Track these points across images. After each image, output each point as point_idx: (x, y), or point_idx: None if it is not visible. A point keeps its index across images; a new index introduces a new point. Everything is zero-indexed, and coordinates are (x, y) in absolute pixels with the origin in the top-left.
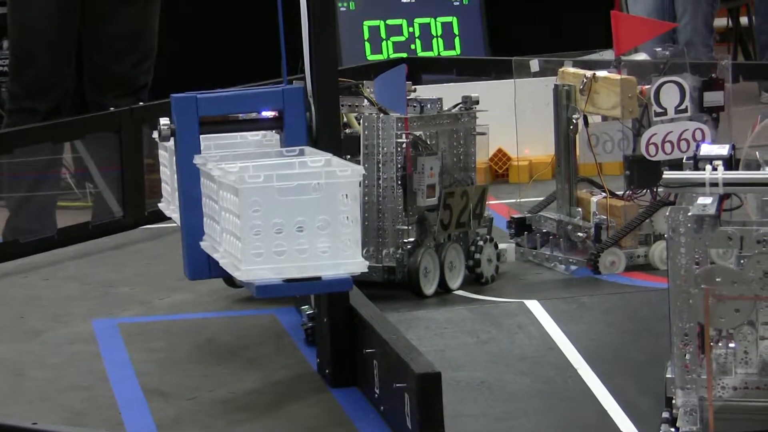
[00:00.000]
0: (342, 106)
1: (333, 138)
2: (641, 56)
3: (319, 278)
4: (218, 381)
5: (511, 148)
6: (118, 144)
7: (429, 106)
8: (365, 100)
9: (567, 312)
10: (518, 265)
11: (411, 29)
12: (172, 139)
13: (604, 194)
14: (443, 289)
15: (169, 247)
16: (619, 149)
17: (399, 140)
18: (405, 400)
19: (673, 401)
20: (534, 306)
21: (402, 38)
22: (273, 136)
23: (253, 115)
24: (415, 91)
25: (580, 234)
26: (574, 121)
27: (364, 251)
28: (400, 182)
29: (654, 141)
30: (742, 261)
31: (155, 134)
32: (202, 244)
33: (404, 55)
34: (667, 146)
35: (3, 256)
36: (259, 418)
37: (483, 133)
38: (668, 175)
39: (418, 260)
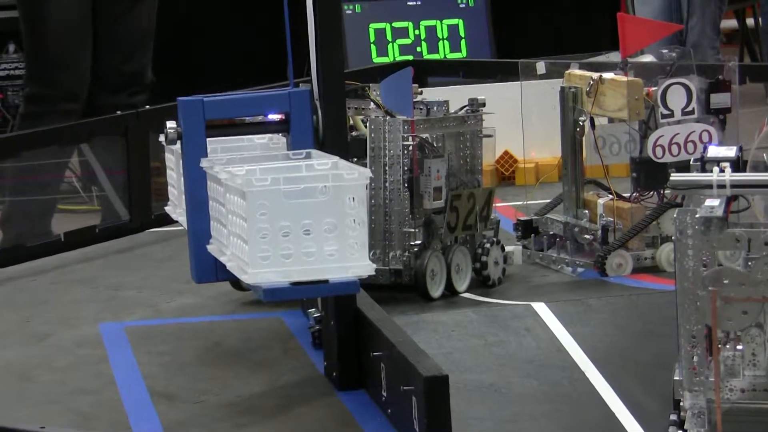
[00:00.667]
0: (348, 108)
1: (339, 141)
2: (648, 58)
3: (326, 281)
4: (225, 384)
5: (518, 150)
6: (124, 147)
7: (435, 108)
8: (371, 103)
9: (574, 314)
10: (525, 268)
11: (417, 32)
12: (178, 142)
13: (611, 196)
14: (450, 291)
15: (175, 250)
16: (625, 151)
17: (405, 143)
18: (412, 403)
19: (681, 403)
20: (541, 308)
21: (408, 41)
22: (280, 139)
23: (260, 118)
24: (421, 93)
25: (587, 236)
26: (581, 123)
27: (371, 254)
28: (406, 185)
29: (661, 143)
30: (749, 263)
31: (162, 137)
32: (209, 247)
33: (410, 57)
34: (674, 148)
35: (10, 259)
36: (266, 421)
37: (489, 136)
38: (675, 177)
39: (425, 263)
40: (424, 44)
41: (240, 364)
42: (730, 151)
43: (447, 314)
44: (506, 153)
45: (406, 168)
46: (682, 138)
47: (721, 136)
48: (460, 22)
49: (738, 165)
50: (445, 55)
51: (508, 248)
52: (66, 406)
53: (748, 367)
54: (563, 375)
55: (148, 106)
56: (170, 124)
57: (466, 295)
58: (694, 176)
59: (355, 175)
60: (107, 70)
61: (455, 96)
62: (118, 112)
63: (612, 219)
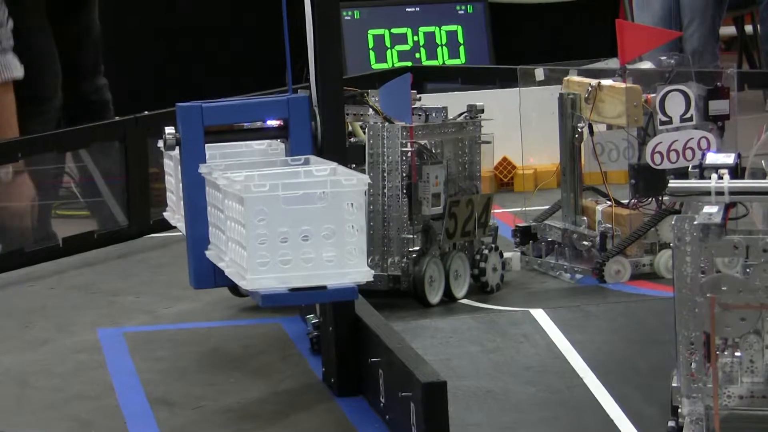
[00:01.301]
0: (347, 115)
1: (338, 147)
2: (646, 65)
3: (324, 287)
4: (224, 390)
5: (516, 156)
6: (123, 153)
7: (434, 114)
8: (370, 109)
9: (572, 321)
10: (523, 274)
11: (416, 38)
12: (177, 148)
13: (609, 203)
14: (448, 297)
15: (174, 256)
16: (624, 158)
17: (404, 149)
18: (410, 409)
19: (679, 410)
20: (539, 315)
21: (407, 47)
22: (278, 146)
23: (258, 124)
24: (420, 99)
25: (585, 243)
26: (579, 129)
27: (370, 260)
28: (405, 191)
29: (659, 149)
30: (748, 270)
31: (160, 143)
32: (208, 253)
33: (409, 63)
34: (673, 155)
35: (8, 265)
36: (265, 427)
37: (488, 142)
38: (674, 183)
39: (423, 269)
40: (422, 50)
41: (238, 370)
42: (729, 158)
43: (445, 320)
44: (505, 159)
45: (404, 174)
46: (680, 145)
47: (719, 143)
48: (459, 29)
49: (736, 172)
50: (443, 61)
51: (506, 254)
52: (64, 412)
53: (746, 373)
54: (561, 381)
55: (147, 112)
56: (169, 130)
57: (465, 301)
58: (693, 183)
59: (353, 182)
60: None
61: (454, 102)
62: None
63: (610, 225)
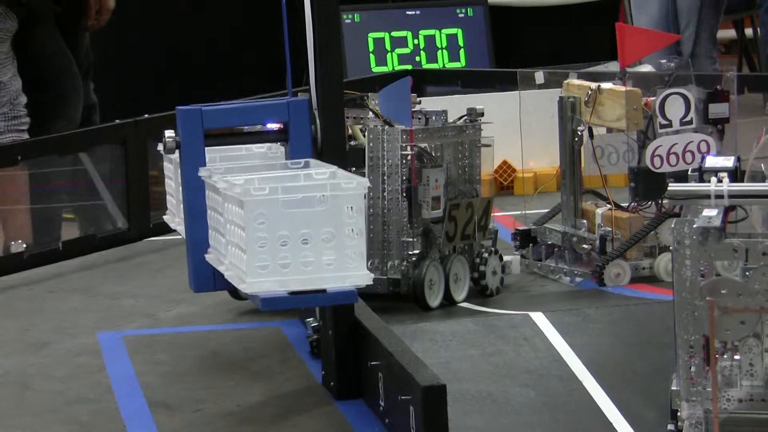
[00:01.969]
0: (347, 118)
1: (338, 150)
2: (646, 68)
3: (324, 291)
4: (223, 393)
5: (516, 160)
6: (123, 156)
7: (434, 118)
8: (370, 112)
9: (572, 324)
10: (523, 277)
11: (416, 41)
12: (177, 151)
13: (609, 206)
14: (448, 301)
15: (174, 259)
16: (624, 161)
17: (404, 152)
18: (410, 413)
19: (678, 413)
20: (539, 318)
21: (407, 50)
22: (278, 149)
23: (258, 127)
24: (419, 103)
25: (585, 246)
26: (579, 133)
27: (369, 263)
28: (405, 194)
29: (659, 153)
30: (747, 273)
31: (160, 147)
32: (207, 256)
33: (409, 67)
34: (672, 158)
35: (8, 268)
36: (265, 430)
37: (488, 145)
38: (673, 187)
39: (423, 272)
40: (423, 54)
41: (238, 373)
42: (728, 161)
43: (445, 324)
44: (505, 162)
45: (404, 177)
46: (680, 148)
47: (719, 146)
48: (459, 32)
49: (736, 175)
50: (443, 64)
51: (506, 258)
52: (64, 415)
53: (746, 377)
54: (561, 385)
55: (147, 115)
56: (168, 133)
57: (464, 304)
58: (692, 186)
59: (353, 185)
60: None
61: (454, 105)
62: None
63: (610, 229)
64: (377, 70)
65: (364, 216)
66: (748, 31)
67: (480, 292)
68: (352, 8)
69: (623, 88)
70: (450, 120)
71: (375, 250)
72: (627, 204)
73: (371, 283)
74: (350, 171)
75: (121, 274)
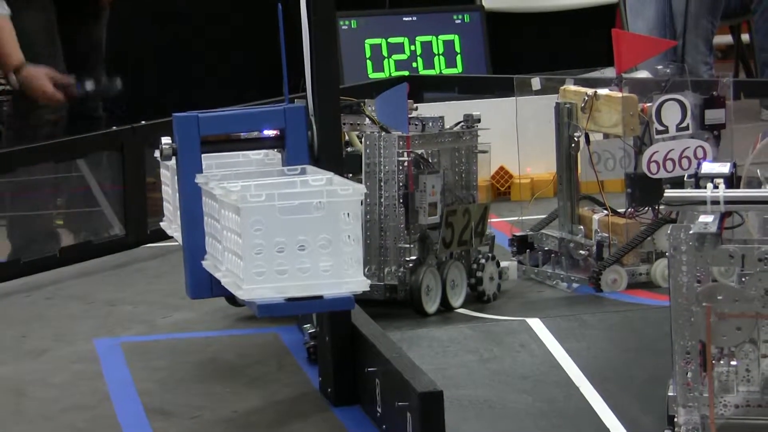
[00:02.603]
0: (344, 124)
1: (335, 157)
2: (642, 74)
3: (320, 297)
4: (220, 400)
5: (513, 166)
6: (120, 163)
7: (431, 124)
8: (367, 119)
9: (569, 330)
10: (520, 283)
11: (413, 47)
12: (174, 158)
13: (605, 212)
14: (445, 307)
15: (171, 266)
16: (620, 167)
17: (401, 158)
18: (407, 419)
19: (675, 419)
20: (536, 324)
21: (404, 56)
22: (275, 155)
23: (255, 134)
24: (416, 109)
25: (581, 252)
26: (576, 138)
27: (366, 270)
28: (401, 200)
29: (655, 159)
30: (743, 279)
31: (157, 153)
32: (204, 263)
33: (406, 73)
34: (669, 164)
35: (6, 275)
36: None
37: (485, 151)
38: (670, 193)
39: (420, 278)
40: (419, 60)
41: (235, 379)
42: (724, 167)
43: (442, 330)
44: (501, 168)
45: (401, 184)
46: (676, 154)
47: (715, 152)
48: (456, 38)
49: (732, 181)
50: (440, 70)
51: (503, 264)
52: (61, 423)
53: (742, 382)
54: (558, 391)
55: (144, 122)
56: (165, 140)
57: (461, 310)
58: (689, 192)
59: (349, 191)
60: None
61: (451, 112)
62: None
63: (607, 234)
64: (374, 76)
65: (360, 222)
66: (745, 37)
67: (477, 298)
68: (348, 14)
69: (620, 94)
70: (447, 126)
71: (372, 257)
72: (624, 210)
73: (368, 289)
74: (347, 177)
75: (118, 281)
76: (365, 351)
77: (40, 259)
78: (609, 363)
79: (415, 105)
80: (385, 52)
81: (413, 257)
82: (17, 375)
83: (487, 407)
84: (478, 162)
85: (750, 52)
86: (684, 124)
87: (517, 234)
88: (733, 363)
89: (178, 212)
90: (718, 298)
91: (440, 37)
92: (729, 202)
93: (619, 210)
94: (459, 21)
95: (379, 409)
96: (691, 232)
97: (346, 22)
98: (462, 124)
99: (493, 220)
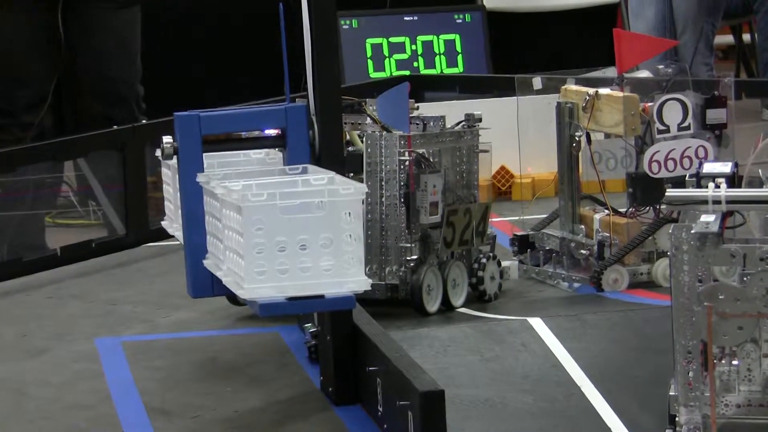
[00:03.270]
0: (345, 124)
1: (336, 156)
2: (644, 74)
3: (322, 296)
4: (221, 399)
5: (514, 165)
6: (121, 162)
7: (432, 123)
8: (368, 118)
9: (570, 329)
10: (521, 283)
11: (414, 47)
12: (175, 157)
13: (607, 211)
14: (446, 306)
15: (172, 265)
16: (621, 167)
17: (402, 158)
18: (408, 418)
19: (677, 419)
20: (537, 323)
21: (405, 56)
22: (276, 155)
23: (256, 133)
24: (417, 108)
25: (583, 251)
26: (577, 138)
27: (367, 269)
28: (403, 200)
29: (657, 158)
30: (745, 278)
31: (158, 152)
32: (205, 262)
33: (407, 72)
34: (670, 163)
35: (6, 274)
36: None
37: (486, 151)
38: (671, 192)
39: (421, 278)
40: (420, 59)
41: (236, 379)
42: (726, 167)
43: (443, 329)
44: (503, 168)
45: (402, 183)
46: (678, 153)
47: (716, 151)
48: (457, 37)
49: (733, 181)
50: (441, 70)
51: (504, 263)
52: (61, 422)
53: (744, 382)
54: (559, 390)
55: (145, 120)
56: (166, 139)
57: (463, 310)
58: (690, 192)
59: (351, 191)
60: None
61: (452, 111)
62: (115, 126)
63: (608, 234)
64: (375, 75)
65: (361, 222)
66: (746, 37)
67: (478, 298)
68: (350, 14)
69: (621, 94)
70: (448, 126)
71: (373, 256)
72: (625, 209)
73: (369, 288)
74: (348, 177)
75: (119, 280)
76: (366, 350)
77: (40, 259)
78: (610, 362)
79: (416, 104)
80: (386, 52)
81: (414, 256)
82: (17, 374)
83: (488, 407)
84: (479, 161)
85: (751, 52)
86: (685, 124)
87: (518, 233)
88: (735, 362)
89: (179, 211)
90: (720, 297)
91: (441, 36)
92: (730, 201)
93: (620, 210)
94: (460, 20)
95: (381, 409)
96: (692, 231)
97: (348, 22)
98: (463, 123)
99: (494, 219)
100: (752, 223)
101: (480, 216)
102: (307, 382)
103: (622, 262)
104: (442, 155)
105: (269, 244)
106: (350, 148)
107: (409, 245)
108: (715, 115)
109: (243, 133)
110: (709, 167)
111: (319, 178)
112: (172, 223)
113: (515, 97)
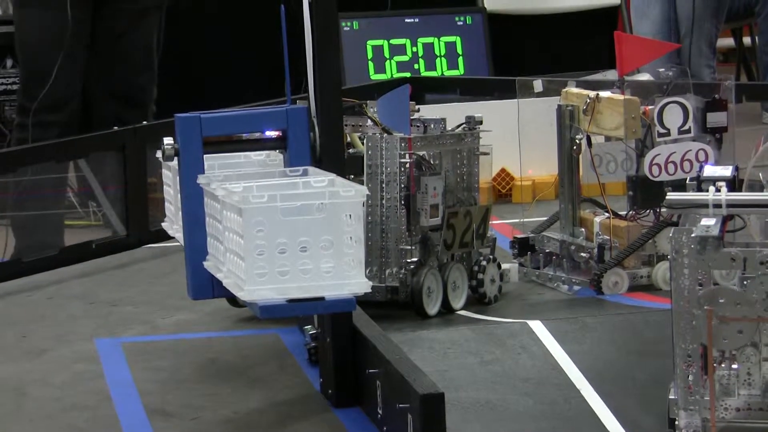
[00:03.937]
0: (345, 126)
1: (336, 158)
2: (645, 77)
3: (322, 298)
4: (221, 401)
5: (515, 168)
6: (122, 163)
7: (432, 125)
8: (369, 120)
9: (570, 332)
10: (521, 286)
11: (414, 49)
12: (175, 158)
13: (607, 214)
14: (446, 309)
15: (172, 266)
16: (622, 170)
17: (402, 160)
18: (408, 421)
19: (676, 422)
20: (537, 326)
21: (405, 58)
22: (277, 156)
23: (257, 135)
24: (418, 110)
25: (583, 254)
26: (578, 141)
27: (368, 271)
28: (403, 202)
29: (657, 161)
30: (745, 282)
31: (159, 154)
32: (206, 263)
33: (408, 74)
34: (671, 167)
35: (7, 274)
36: None
37: (486, 153)
38: (671, 196)
39: (421, 280)
40: (421, 61)
41: (236, 380)
42: (726, 171)
43: (443, 332)
44: (503, 171)
45: (402, 185)
46: (678, 157)
47: (717, 155)
48: (458, 40)
49: (734, 184)
50: (442, 72)
51: (504, 266)
52: (61, 423)
53: (743, 386)
54: (559, 393)
55: (145, 122)
56: (167, 141)
57: (463, 312)
58: (690, 195)
59: (351, 193)
60: (116, 82)
61: (452, 113)
62: (115, 127)
63: (608, 237)
64: (376, 77)
65: (362, 224)
66: (747, 40)
67: (478, 300)
68: (350, 16)
69: (621, 97)
70: (448, 128)
71: (373, 258)
72: (625, 212)
73: (369, 290)
74: (349, 179)
75: (119, 281)
76: (366, 352)
77: (41, 259)
78: (610, 365)
79: (416, 106)
80: (387, 54)
81: (414, 259)
82: (18, 375)
83: (488, 409)
84: (479, 164)
85: (752, 55)
86: (686, 127)
87: (519, 236)
88: (735, 366)
89: (180, 213)
90: (720, 301)
91: (442, 38)
92: (731, 205)
93: (620, 213)
94: (461, 23)
95: (380, 411)
96: (693, 235)
97: (348, 24)
98: (464, 125)
99: (494, 222)
100: (753, 227)
101: (480, 218)
102: (306, 384)
103: (622, 265)
104: (443, 157)
105: (270, 245)
106: (351, 150)
107: (409, 247)
108: (715, 118)
109: (244, 134)
110: (709, 170)
111: (320, 180)
112: (173, 224)
113: (516, 100)
